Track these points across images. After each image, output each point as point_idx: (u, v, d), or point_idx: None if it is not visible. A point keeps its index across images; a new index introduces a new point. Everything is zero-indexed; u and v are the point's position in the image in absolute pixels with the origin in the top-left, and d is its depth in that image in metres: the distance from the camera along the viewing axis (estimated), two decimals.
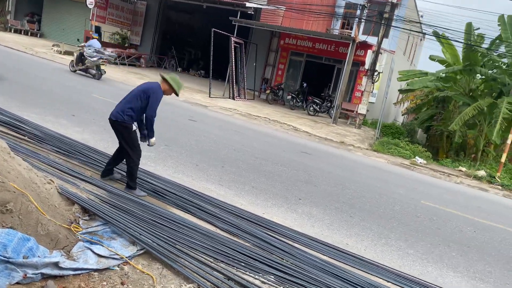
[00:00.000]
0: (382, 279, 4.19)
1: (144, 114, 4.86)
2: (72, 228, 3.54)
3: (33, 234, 3.14)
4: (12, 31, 26.59)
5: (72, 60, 15.45)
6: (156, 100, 4.80)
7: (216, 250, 3.90)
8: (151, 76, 19.98)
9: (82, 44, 15.62)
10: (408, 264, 4.88)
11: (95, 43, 15.16)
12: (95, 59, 14.63)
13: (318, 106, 18.80)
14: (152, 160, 6.64)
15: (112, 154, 5.34)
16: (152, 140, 5.01)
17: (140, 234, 3.76)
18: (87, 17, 22.76)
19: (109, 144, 6.89)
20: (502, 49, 16.25)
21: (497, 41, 16.07)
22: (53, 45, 22.29)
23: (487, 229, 6.98)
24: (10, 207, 3.16)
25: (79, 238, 3.47)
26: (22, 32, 27.25)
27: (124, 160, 5.10)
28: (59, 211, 3.69)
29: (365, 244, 5.20)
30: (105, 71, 15.32)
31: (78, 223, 3.74)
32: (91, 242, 3.42)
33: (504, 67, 16.71)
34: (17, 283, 2.75)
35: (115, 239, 3.66)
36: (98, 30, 22.04)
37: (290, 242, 4.57)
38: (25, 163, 3.94)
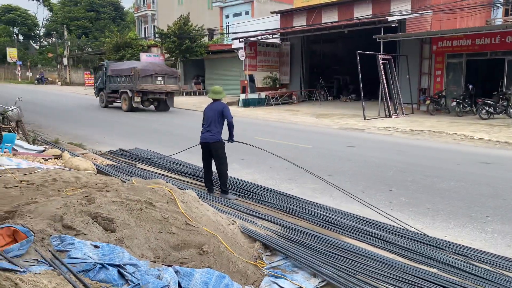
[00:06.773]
0: None
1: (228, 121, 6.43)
2: (257, 264, 3.85)
3: (226, 271, 3.52)
4: (184, 94, 31.11)
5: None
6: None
7: (397, 279, 3.73)
8: (303, 110, 20.72)
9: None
10: None
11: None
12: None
13: (492, 108, 16.59)
14: (318, 192, 6.81)
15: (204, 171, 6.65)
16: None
17: (319, 266, 3.86)
18: (241, 68, 25.24)
19: (275, 181, 7.37)
20: None
21: None
22: None
23: None
24: (206, 248, 3.63)
25: (265, 273, 3.74)
26: (191, 93, 31.69)
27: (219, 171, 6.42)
28: (244, 249, 4.07)
29: None
30: None
31: (262, 258, 4.05)
32: (276, 276, 3.65)
33: None
34: None
35: (296, 272, 3.83)
36: (251, 78, 24.13)
37: (486, 267, 4.07)
38: (211, 208, 4.51)
